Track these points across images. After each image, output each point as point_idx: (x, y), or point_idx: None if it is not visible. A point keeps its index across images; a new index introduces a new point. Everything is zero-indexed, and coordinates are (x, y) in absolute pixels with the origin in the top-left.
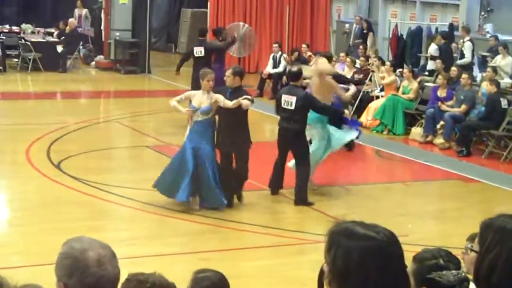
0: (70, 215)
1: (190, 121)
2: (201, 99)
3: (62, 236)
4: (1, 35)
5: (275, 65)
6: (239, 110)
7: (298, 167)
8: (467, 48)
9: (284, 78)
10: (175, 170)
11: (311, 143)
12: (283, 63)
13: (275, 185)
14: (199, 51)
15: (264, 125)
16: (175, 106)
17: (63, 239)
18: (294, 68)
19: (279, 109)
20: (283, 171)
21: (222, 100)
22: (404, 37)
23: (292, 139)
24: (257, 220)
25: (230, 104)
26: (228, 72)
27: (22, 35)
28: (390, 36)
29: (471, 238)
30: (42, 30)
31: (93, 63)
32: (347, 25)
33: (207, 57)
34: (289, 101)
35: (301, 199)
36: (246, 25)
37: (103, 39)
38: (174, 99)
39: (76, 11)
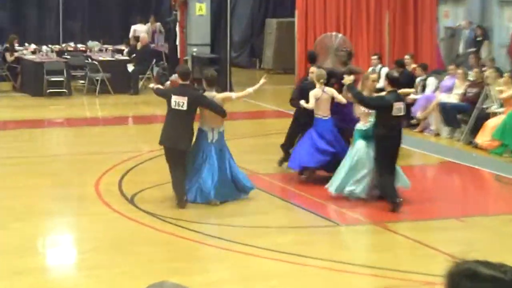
0: (146, 256)
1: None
2: None
3: (138, 281)
4: (66, 54)
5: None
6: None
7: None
8: None
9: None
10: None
11: None
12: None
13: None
14: None
15: None
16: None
17: (141, 285)
18: (395, 73)
19: (390, 118)
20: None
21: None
22: None
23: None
24: (361, 259)
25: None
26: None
27: (88, 53)
28: (509, 43)
29: None
30: (110, 47)
31: (168, 82)
32: (462, 22)
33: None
34: (401, 107)
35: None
36: (340, 35)
37: (178, 55)
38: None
39: (149, 26)
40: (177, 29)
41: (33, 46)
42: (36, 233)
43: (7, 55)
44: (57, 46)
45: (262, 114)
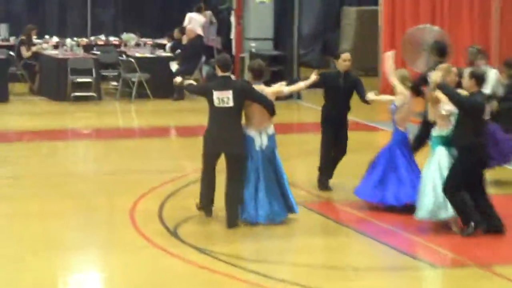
0: None
1: None
2: None
3: None
4: (95, 49)
5: None
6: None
7: None
8: None
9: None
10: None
11: None
12: (492, 79)
13: None
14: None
15: None
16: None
17: None
18: (480, 70)
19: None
20: None
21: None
22: None
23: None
24: None
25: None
26: None
27: (122, 48)
28: None
29: None
30: (149, 41)
31: None
32: None
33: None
34: (489, 111)
35: None
36: (435, 27)
37: (233, 51)
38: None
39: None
40: (232, 19)
41: (54, 39)
42: (56, 269)
43: (23, 49)
44: (84, 39)
45: None
